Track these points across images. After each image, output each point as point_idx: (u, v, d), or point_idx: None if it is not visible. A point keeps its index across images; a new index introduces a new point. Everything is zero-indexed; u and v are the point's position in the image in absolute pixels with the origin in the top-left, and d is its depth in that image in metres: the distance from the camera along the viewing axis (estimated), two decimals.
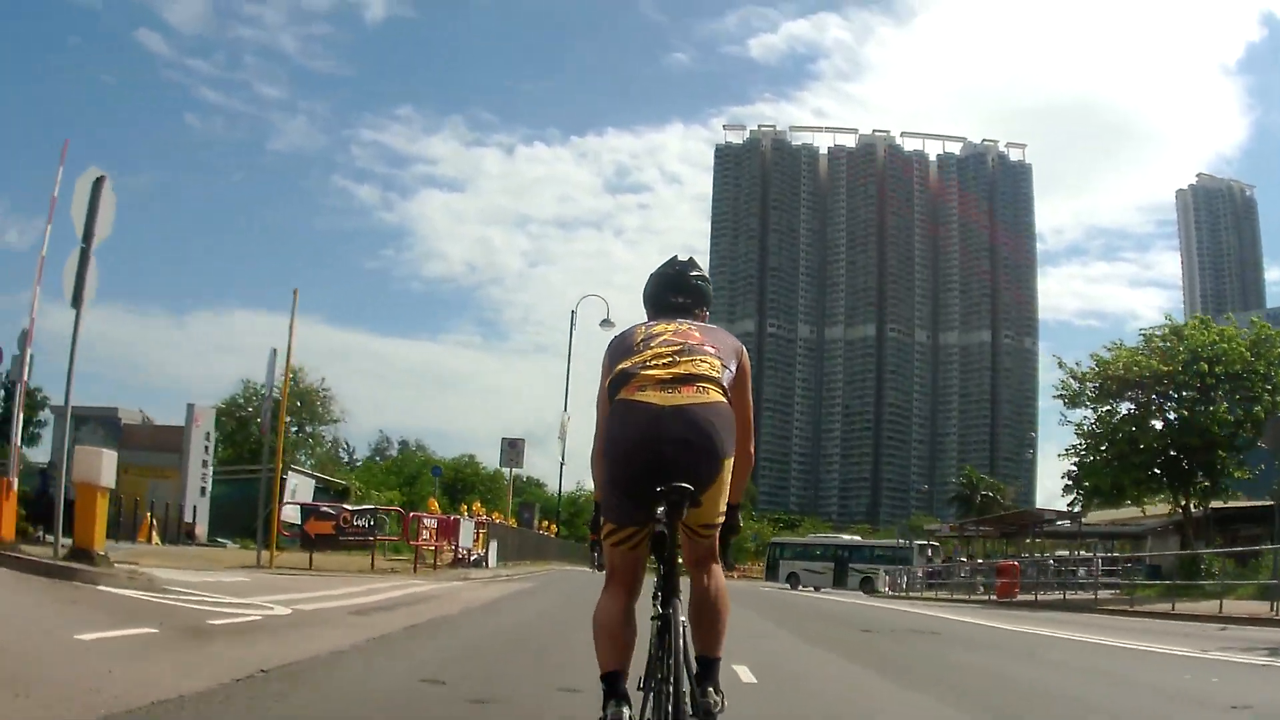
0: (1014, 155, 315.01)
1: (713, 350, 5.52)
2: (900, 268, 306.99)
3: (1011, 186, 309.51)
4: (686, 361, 5.38)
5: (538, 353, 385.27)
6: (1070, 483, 50.77)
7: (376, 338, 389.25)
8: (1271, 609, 27.42)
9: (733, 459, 5.35)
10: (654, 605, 5.19)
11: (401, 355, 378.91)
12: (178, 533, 42.63)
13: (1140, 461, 46.89)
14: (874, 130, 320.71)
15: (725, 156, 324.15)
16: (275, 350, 30.56)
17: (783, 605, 34.81)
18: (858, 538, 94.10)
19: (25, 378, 22.43)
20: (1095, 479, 48.49)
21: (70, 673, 8.31)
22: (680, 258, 6.29)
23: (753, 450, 5.92)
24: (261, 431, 37.10)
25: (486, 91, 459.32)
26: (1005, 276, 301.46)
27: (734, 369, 5.59)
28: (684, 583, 5.44)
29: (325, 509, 35.80)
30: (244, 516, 37.93)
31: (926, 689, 11.52)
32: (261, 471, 33.05)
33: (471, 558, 42.64)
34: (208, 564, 26.30)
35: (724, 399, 5.34)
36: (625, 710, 5.00)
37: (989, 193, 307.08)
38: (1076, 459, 50.27)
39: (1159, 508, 52.10)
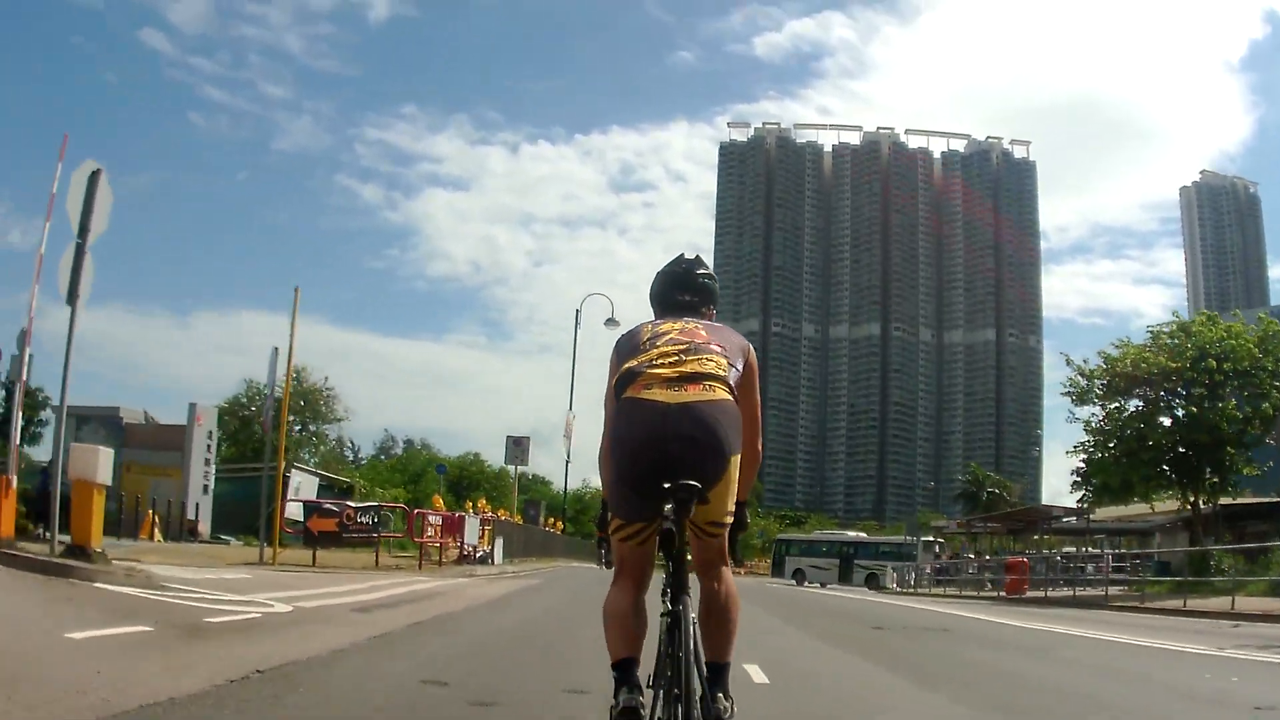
0: (1018, 153, 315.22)
1: (719, 349, 5.51)
2: (905, 266, 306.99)
3: (1016, 184, 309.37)
4: (693, 360, 5.37)
5: (542, 352, 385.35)
6: (1079, 479, 50.52)
7: (381, 338, 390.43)
8: None
9: (739, 456, 5.31)
10: (663, 602, 5.13)
11: (406, 355, 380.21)
12: (180, 530, 42.48)
13: (1149, 458, 46.66)
14: (878, 128, 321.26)
15: (730, 154, 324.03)
16: (276, 349, 30.36)
17: (790, 602, 34.51)
18: (863, 534, 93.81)
19: (24, 377, 22.20)
20: (1104, 476, 48.21)
21: (57, 673, 8.04)
22: (687, 255, 6.29)
23: (760, 447, 5.90)
24: (264, 430, 36.89)
25: (491, 90, 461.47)
26: (1010, 274, 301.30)
27: (741, 367, 5.59)
28: (691, 579, 5.33)
29: (328, 506, 35.51)
30: (247, 514, 37.73)
31: (941, 688, 11.30)
32: (264, 469, 32.81)
33: (477, 555, 42.44)
34: (210, 561, 26.05)
35: (730, 397, 5.33)
36: (637, 697, 4.94)
37: (993, 190, 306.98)
38: (1085, 456, 50.02)
39: (1167, 504, 51.94)
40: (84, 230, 17.49)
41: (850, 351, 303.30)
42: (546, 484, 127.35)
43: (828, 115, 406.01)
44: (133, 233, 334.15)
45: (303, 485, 50.15)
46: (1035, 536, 66.40)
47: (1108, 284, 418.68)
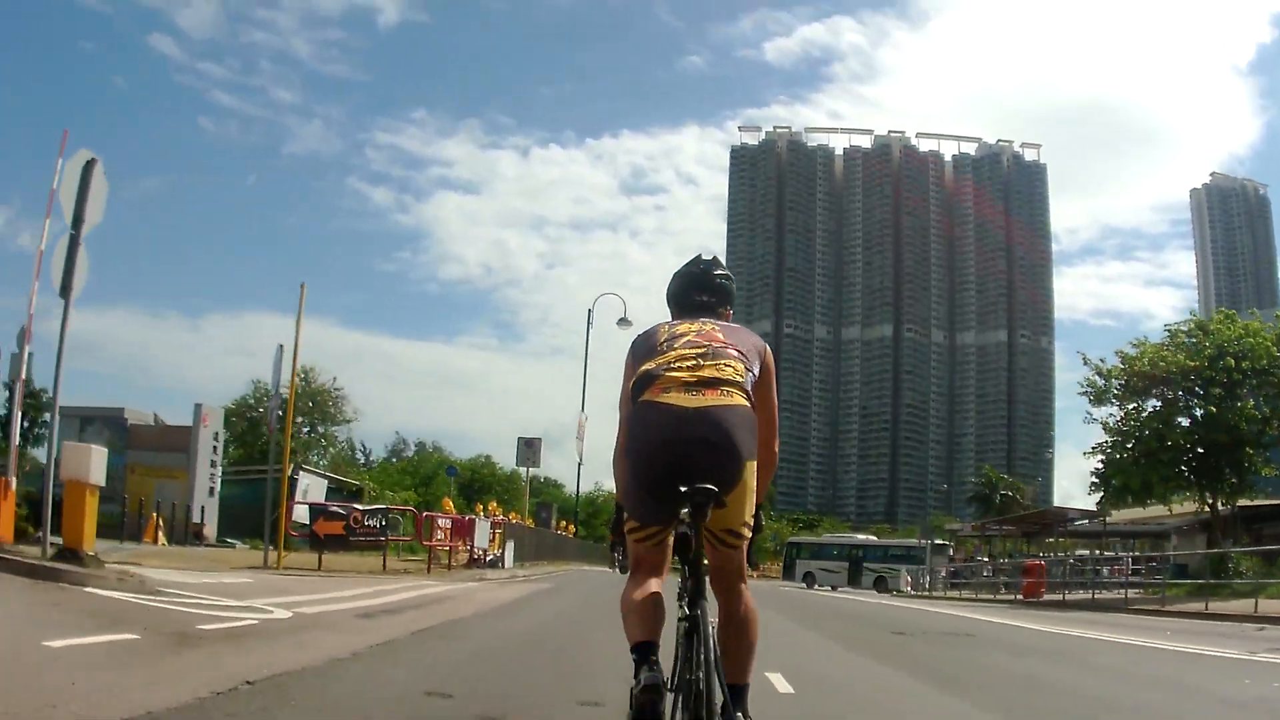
0: (1029, 155, 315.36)
1: (736, 353, 5.48)
2: (916, 268, 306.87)
3: (1026, 186, 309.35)
4: (710, 365, 5.35)
5: (554, 355, 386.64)
6: (1097, 481, 50.07)
7: (392, 340, 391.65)
8: None
9: (755, 462, 5.29)
10: (680, 607, 5.19)
11: (418, 357, 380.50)
12: (185, 533, 41.88)
13: (1169, 459, 46.23)
14: (889, 131, 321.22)
15: (741, 158, 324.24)
16: (281, 347, 29.65)
17: (804, 605, 34.01)
18: (873, 537, 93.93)
19: (24, 376, 21.73)
20: (1123, 477, 47.73)
21: (28, 685, 7.46)
22: (704, 256, 6.29)
23: (776, 449, 5.89)
24: (269, 430, 36.39)
25: (501, 94, 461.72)
26: (1021, 276, 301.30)
27: (757, 371, 5.59)
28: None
29: (335, 508, 34.85)
30: (254, 517, 37.22)
31: (970, 695, 10.97)
32: (269, 471, 32.28)
33: (487, 558, 41.87)
34: (213, 565, 25.56)
35: (747, 403, 5.31)
36: (659, 675, 4.86)
37: (1004, 193, 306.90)
38: (1103, 457, 49.53)
39: (1184, 506, 51.49)
40: (78, 221, 16.94)
41: (862, 353, 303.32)
42: (559, 487, 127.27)
43: (838, 120, 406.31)
44: (143, 235, 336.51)
45: (310, 488, 49.65)
46: (1050, 539, 65.95)
47: (1118, 286, 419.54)
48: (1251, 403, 44.70)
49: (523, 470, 72.10)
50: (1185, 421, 47.26)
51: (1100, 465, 49.78)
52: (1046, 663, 15.45)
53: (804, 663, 13.15)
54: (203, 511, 44.64)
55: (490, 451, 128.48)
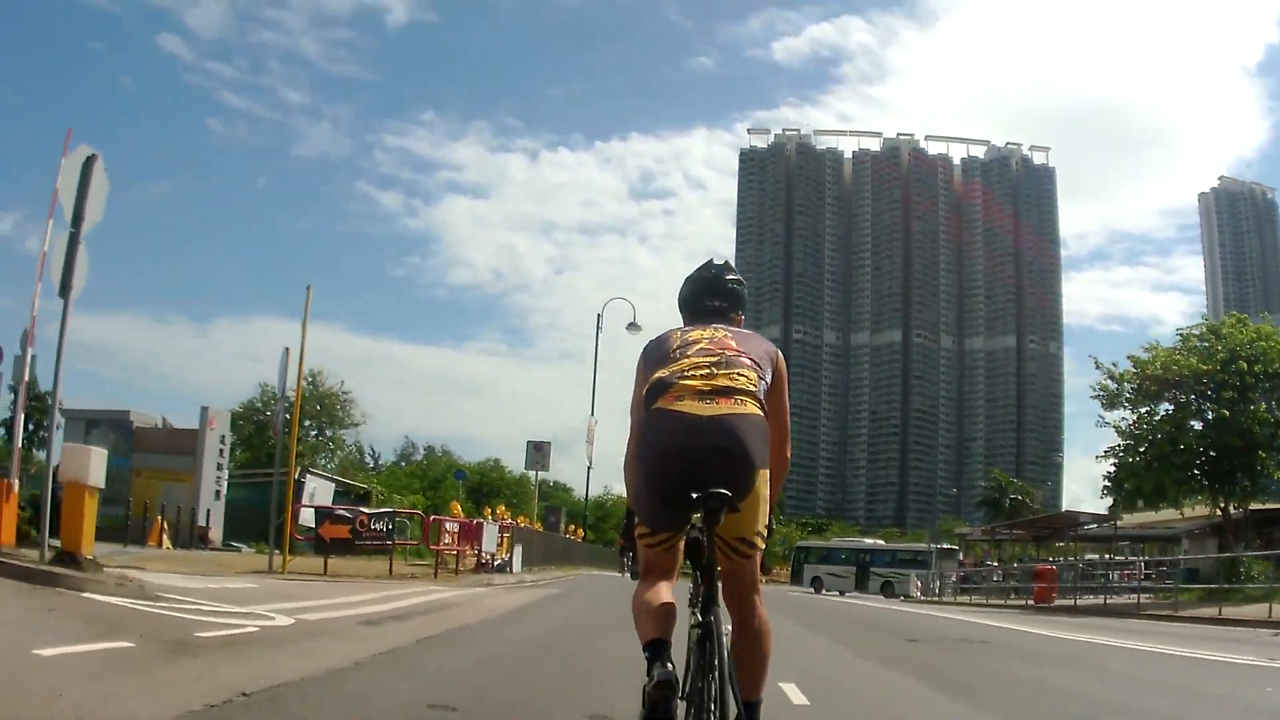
0: (1037, 159, 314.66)
1: (749, 362, 5.50)
2: (925, 272, 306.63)
3: (1035, 190, 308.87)
4: (724, 374, 5.36)
5: (563, 359, 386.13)
6: (1109, 484, 49.90)
7: (401, 345, 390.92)
8: None
9: (768, 472, 5.32)
10: (693, 614, 5.23)
11: (427, 362, 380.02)
12: (190, 537, 41.60)
13: (1181, 462, 46.09)
14: (898, 134, 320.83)
15: (750, 161, 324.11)
16: (287, 349, 29.33)
17: (814, 611, 33.79)
18: (880, 542, 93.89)
19: (27, 378, 21.46)
20: (1136, 481, 47.54)
21: (12, 696, 7.16)
22: (715, 260, 6.30)
23: (789, 454, 5.93)
24: (274, 432, 36.13)
25: (510, 95, 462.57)
26: (1030, 281, 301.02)
27: (769, 378, 5.61)
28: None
29: (341, 512, 34.50)
30: (261, 521, 36.87)
31: (990, 706, 10.70)
32: (275, 474, 32.00)
33: (495, 563, 41.54)
34: (217, 569, 25.21)
35: (760, 412, 5.33)
36: (672, 671, 4.77)
37: (1013, 196, 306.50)
38: (1116, 460, 49.34)
39: (1194, 510, 51.44)
40: (78, 219, 16.62)
41: (871, 358, 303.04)
42: (567, 491, 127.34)
43: (847, 121, 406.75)
44: (151, 239, 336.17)
45: (318, 491, 49.40)
46: (1060, 543, 65.71)
47: (1126, 291, 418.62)
48: (1264, 406, 44.78)
49: (531, 474, 71.98)
50: (1198, 425, 47.22)
51: (1112, 469, 49.68)
52: (1064, 670, 15.19)
53: (818, 672, 12.89)
54: (208, 515, 44.33)
55: (499, 456, 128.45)
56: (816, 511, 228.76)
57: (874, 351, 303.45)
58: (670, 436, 5.17)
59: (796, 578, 79.91)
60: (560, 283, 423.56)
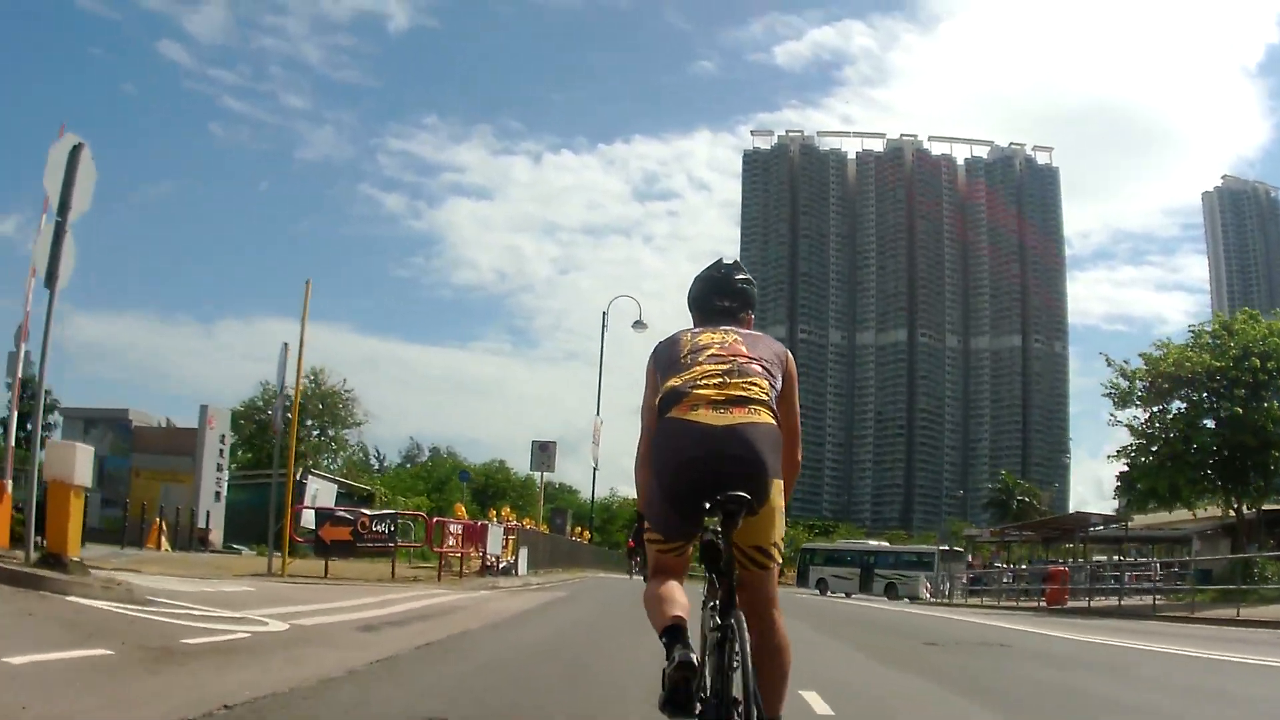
0: (1041, 159, 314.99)
1: (761, 369, 5.51)
2: (930, 272, 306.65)
3: (1039, 190, 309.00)
4: (737, 383, 5.36)
5: (569, 360, 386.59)
6: (1122, 485, 49.55)
7: (406, 346, 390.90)
8: None
9: (781, 482, 5.33)
10: (711, 616, 5.12)
11: (432, 363, 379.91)
12: (190, 539, 41.08)
13: (1195, 461, 45.62)
14: (901, 134, 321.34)
15: (753, 162, 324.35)
16: (286, 344, 28.79)
17: (824, 614, 33.18)
18: (885, 544, 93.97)
19: (20, 375, 20.98)
20: (1149, 480, 47.12)
21: None
22: (725, 260, 6.30)
23: (799, 457, 5.88)
24: (273, 431, 35.58)
25: (513, 100, 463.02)
26: (1035, 280, 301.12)
27: (780, 383, 5.60)
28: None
29: (341, 513, 33.95)
30: (262, 522, 36.35)
31: (1026, 715, 10.34)
32: (274, 474, 31.48)
33: (500, 565, 41.03)
34: (214, 572, 24.70)
35: (773, 421, 5.35)
36: (691, 653, 4.77)
37: (1017, 196, 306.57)
38: (1128, 460, 48.93)
39: (1206, 510, 51.23)
40: (64, 208, 16.07)
41: (877, 358, 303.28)
42: (573, 492, 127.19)
43: (850, 123, 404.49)
44: (155, 241, 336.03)
45: (320, 492, 48.95)
46: (1069, 545, 65.31)
47: (1130, 290, 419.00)
48: (1277, 404, 44.43)
49: (537, 475, 71.60)
50: (1210, 423, 46.69)
51: (1125, 468, 49.34)
52: (1091, 675, 14.60)
53: (838, 678, 12.31)
54: (208, 516, 43.87)
55: (505, 458, 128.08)
56: (823, 514, 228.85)
57: (879, 351, 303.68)
58: (686, 446, 5.17)
59: (802, 579, 79.74)
60: (565, 283, 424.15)
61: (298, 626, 13.97)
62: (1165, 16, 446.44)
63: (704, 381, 5.34)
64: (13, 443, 20.44)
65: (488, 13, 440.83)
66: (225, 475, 46.54)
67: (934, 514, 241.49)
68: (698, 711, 4.75)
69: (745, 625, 4.80)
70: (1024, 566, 63.99)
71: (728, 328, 5.81)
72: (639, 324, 58.95)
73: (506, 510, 55.87)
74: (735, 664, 4.71)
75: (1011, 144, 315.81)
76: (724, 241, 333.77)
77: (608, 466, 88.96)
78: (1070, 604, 45.70)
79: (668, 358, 5.64)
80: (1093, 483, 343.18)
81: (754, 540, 5.22)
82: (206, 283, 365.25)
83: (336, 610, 17.45)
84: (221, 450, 46.16)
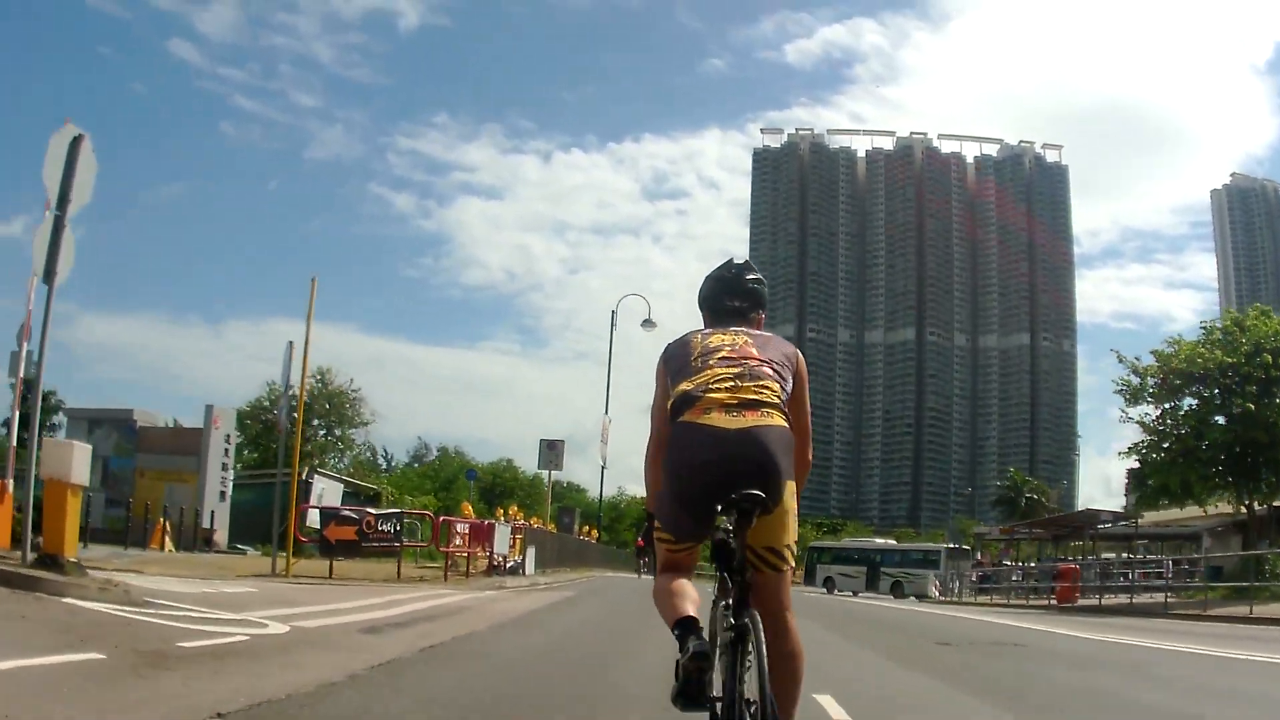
0: (1050, 157, 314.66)
1: (772, 371, 5.49)
2: (939, 270, 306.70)
3: (1049, 188, 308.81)
4: (749, 386, 5.35)
5: (578, 359, 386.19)
6: (1133, 481, 49.46)
7: (415, 346, 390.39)
8: None
9: (794, 485, 5.33)
10: (724, 616, 5.00)
11: (441, 362, 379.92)
12: (195, 539, 40.92)
13: (1207, 458, 45.42)
14: (911, 132, 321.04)
15: (763, 160, 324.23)
16: (291, 343, 28.60)
17: (833, 613, 32.94)
18: (892, 542, 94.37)
19: (21, 374, 20.81)
20: (1160, 477, 46.96)
21: None
22: (736, 260, 6.29)
23: (810, 457, 5.91)
24: (278, 430, 35.32)
25: (522, 98, 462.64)
26: (1043, 279, 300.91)
27: (791, 385, 5.59)
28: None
29: (346, 513, 33.65)
30: (268, 522, 36.17)
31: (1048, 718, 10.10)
32: (278, 473, 31.25)
33: (508, 565, 40.84)
34: (219, 572, 24.48)
35: (785, 423, 5.34)
36: (705, 644, 4.72)
37: (1026, 194, 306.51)
38: (1139, 457, 48.78)
39: (1216, 507, 51.25)
40: (63, 201, 15.82)
41: (885, 357, 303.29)
42: (581, 492, 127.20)
43: (860, 121, 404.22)
44: (165, 240, 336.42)
45: (326, 492, 48.79)
46: (1079, 542, 65.13)
47: (1139, 288, 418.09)
48: None
49: (545, 474, 71.42)
50: (1221, 419, 46.53)
51: (1136, 465, 49.25)
52: (1112, 675, 14.34)
53: (854, 681, 12.12)
54: (212, 516, 43.73)
55: (513, 457, 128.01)
56: (831, 512, 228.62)
57: (888, 350, 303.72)
58: (699, 449, 5.15)
59: (810, 578, 79.50)
60: (574, 283, 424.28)
61: (298, 629, 13.67)
62: (1174, 15, 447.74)
63: (716, 385, 5.33)
64: (14, 442, 20.16)
65: (498, 12, 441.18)
66: (230, 475, 46.43)
67: (942, 512, 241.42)
68: (709, 712, 4.73)
69: (760, 624, 4.72)
70: (1033, 564, 63.73)
71: (738, 329, 5.81)
72: (648, 322, 58.97)
73: (514, 509, 55.64)
74: (749, 663, 4.64)
75: (1021, 142, 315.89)
76: (733, 240, 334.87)
77: (616, 465, 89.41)
78: (1081, 602, 45.45)
79: (678, 360, 5.63)
80: (1100, 480, 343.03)
81: (767, 541, 5.20)
82: (216, 283, 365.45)
83: (339, 612, 17.16)
84: (227, 450, 46.09)
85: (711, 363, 5.47)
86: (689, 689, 4.63)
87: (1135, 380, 48.72)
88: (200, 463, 44.00)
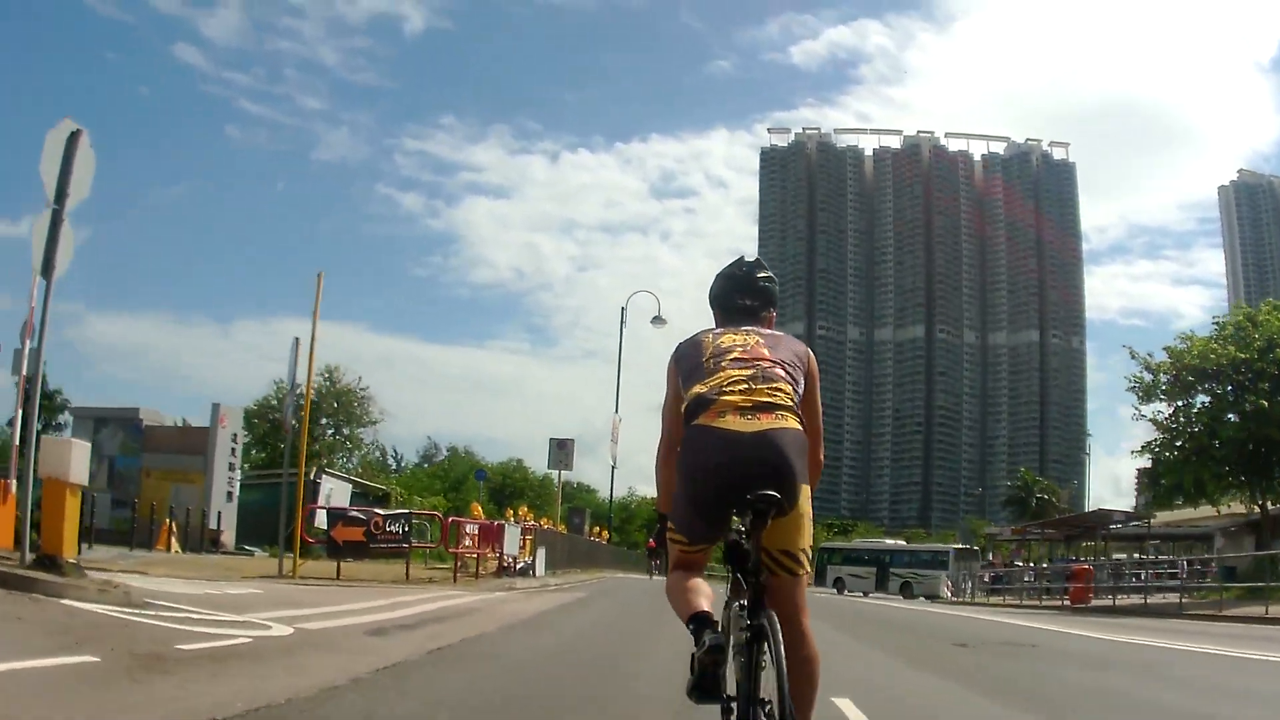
0: (1057, 154, 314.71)
1: (784, 372, 5.47)
2: (948, 267, 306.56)
3: (1056, 185, 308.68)
4: (763, 389, 5.32)
5: (587, 358, 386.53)
6: (1146, 480, 49.17)
7: (424, 345, 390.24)
8: None
9: (809, 488, 5.32)
10: (739, 616, 4.94)
11: (449, 362, 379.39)
12: (201, 540, 40.69)
13: (1220, 456, 45.11)
14: (918, 131, 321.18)
15: (771, 159, 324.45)
16: (297, 339, 28.37)
17: (845, 614, 32.77)
18: (902, 542, 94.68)
19: (24, 372, 20.59)
20: (1173, 475, 46.68)
21: None
22: (747, 258, 6.27)
23: (821, 457, 5.90)
24: (284, 429, 35.08)
25: (529, 100, 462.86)
26: (1052, 275, 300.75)
27: (803, 386, 5.57)
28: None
29: (354, 513, 33.49)
30: (275, 523, 36.01)
31: None
32: (284, 473, 31.02)
33: (517, 566, 40.62)
34: (223, 573, 24.30)
35: (799, 426, 5.32)
36: (721, 638, 4.74)
37: (1034, 191, 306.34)
38: (1152, 455, 48.49)
39: (1229, 506, 51.04)
40: (61, 196, 15.59)
41: (895, 355, 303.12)
42: (592, 492, 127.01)
43: (866, 122, 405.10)
44: (172, 241, 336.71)
45: (334, 492, 48.57)
46: (1091, 542, 64.89)
47: (1147, 285, 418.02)
48: None
49: (555, 475, 71.25)
50: (1234, 417, 46.08)
51: (1148, 464, 48.99)
52: (1129, 677, 14.21)
53: (871, 683, 11.93)
54: (219, 517, 43.52)
55: (523, 457, 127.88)
56: (841, 512, 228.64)
57: (897, 348, 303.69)
58: (714, 453, 5.12)
59: (820, 578, 78.73)
60: (583, 281, 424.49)
61: (303, 631, 13.44)
62: (1179, 12, 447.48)
63: (730, 388, 5.30)
64: (17, 440, 19.93)
65: (503, 14, 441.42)
66: (237, 475, 46.26)
67: (952, 512, 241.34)
68: (721, 706, 4.77)
69: (778, 625, 4.67)
70: (1045, 565, 63.54)
71: (749, 328, 5.78)
72: (658, 319, 59.10)
73: (524, 510, 55.44)
74: (765, 663, 4.62)
75: (1028, 140, 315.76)
76: (742, 239, 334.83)
77: (626, 465, 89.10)
78: (1094, 603, 45.15)
79: (690, 361, 5.61)
80: (1110, 480, 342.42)
81: (782, 544, 5.17)
82: (223, 283, 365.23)
83: (345, 613, 16.92)
84: (234, 449, 45.89)
85: (724, 364, 5.45)
86: (704, 682, 4.63)
87: (1148, 377, 48.35)
88: (207, 462, 43.83)
